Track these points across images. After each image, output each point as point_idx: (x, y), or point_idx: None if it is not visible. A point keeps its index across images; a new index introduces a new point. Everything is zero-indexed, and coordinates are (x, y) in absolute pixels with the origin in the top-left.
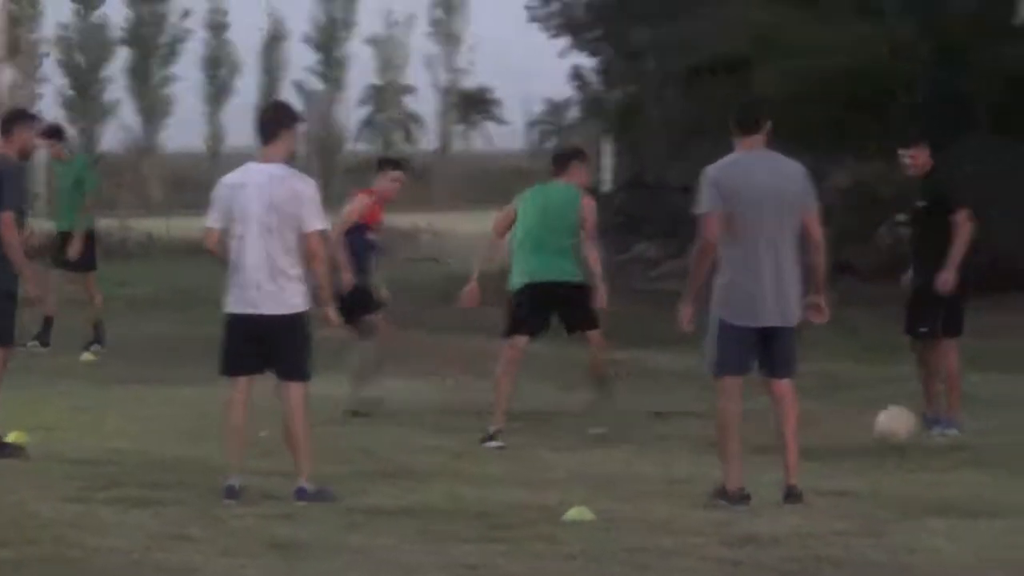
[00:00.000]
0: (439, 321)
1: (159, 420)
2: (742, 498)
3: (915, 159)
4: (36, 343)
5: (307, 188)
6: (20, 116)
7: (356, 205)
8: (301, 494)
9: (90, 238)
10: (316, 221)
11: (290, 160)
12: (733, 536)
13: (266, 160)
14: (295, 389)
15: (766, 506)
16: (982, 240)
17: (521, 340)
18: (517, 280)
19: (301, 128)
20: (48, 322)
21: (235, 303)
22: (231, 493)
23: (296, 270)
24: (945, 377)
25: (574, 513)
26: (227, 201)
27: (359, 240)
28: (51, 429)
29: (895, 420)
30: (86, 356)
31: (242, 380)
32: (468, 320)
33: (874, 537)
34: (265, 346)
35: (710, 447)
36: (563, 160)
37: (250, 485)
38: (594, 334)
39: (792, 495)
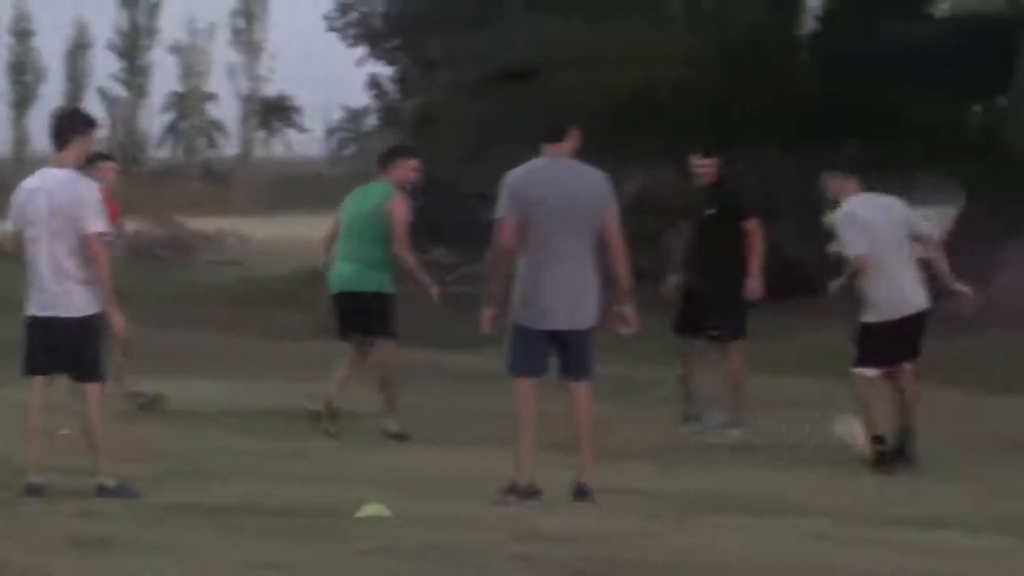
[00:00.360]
0: (241, 322)
1: None
2: (532, 493)
3: (705, 168)
4: None
5: (88, 191)
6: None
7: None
8: (102, 491)
9: None
10: (95, 223)
11: (83, 165)
12: (524, 532)
13: (59, 165)
14: (91, 389)
15: (559, 504)
16: (771, 248)
17: (346, 346)
18: (331, 287)
19: (97, 134)
20: None
21: (32, 306)
22: (32, 491)
23: (82, 273)
24: (729, 379)
25: (370, 510)
26: (23, 205)
27: None
28: None
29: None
30: None
31: (39, 380)
32: (270, 323)
33: (658, 535)
34: (60, 348)
35: (507, 445)
36: (384, 158)
37: (52, 483)
38: (387, 345)
39: (582, 493)
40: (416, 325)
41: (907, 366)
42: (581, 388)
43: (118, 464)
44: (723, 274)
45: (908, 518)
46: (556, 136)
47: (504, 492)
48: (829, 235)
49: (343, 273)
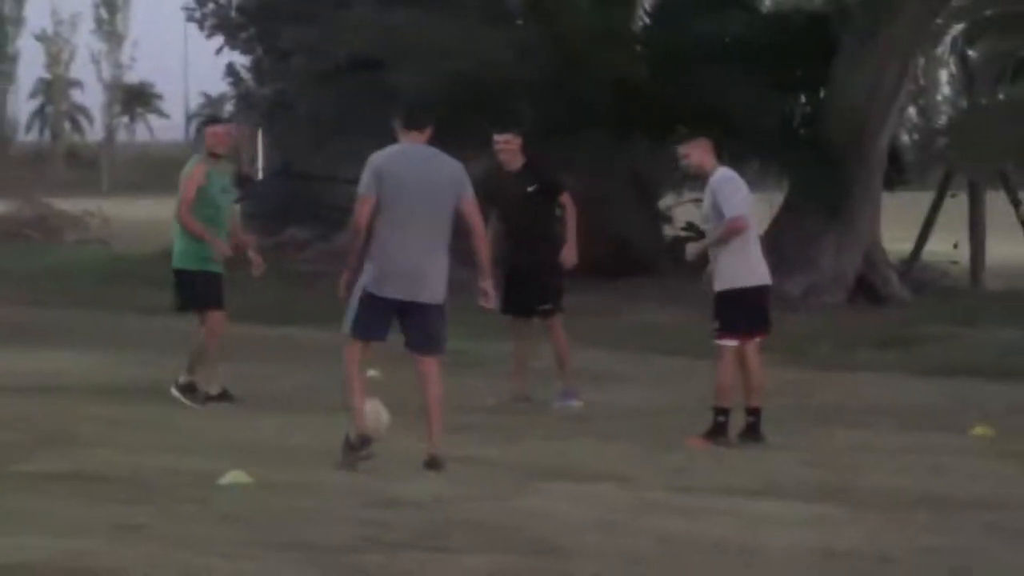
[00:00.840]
0: (107, 300)
1: None
2: (364, 441)
3: (506, 144)
4: None
5: None
6: None
7: None
8: None
9: None
10: None
11: None
12: (375, 499)
13: None
14: None
15: (409, 472)
16: (605, 230)
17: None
18: None
19: None
20: None
21: None
22: None
23: None
24: (558, 352)
25: (231, 477)
26: None
27: None
28: None
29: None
30: None
31: None
32: (135, 300)
33: (501, 500)
34: None
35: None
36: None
37: None
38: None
39: (434, 463)
40: (268, 301)
41: (756, 340)
42: (428, 363)
43: None
44: (543, 249)
45: (738, 487)
46: (416, 125)
47: (343, 450)
48: (663, 219)
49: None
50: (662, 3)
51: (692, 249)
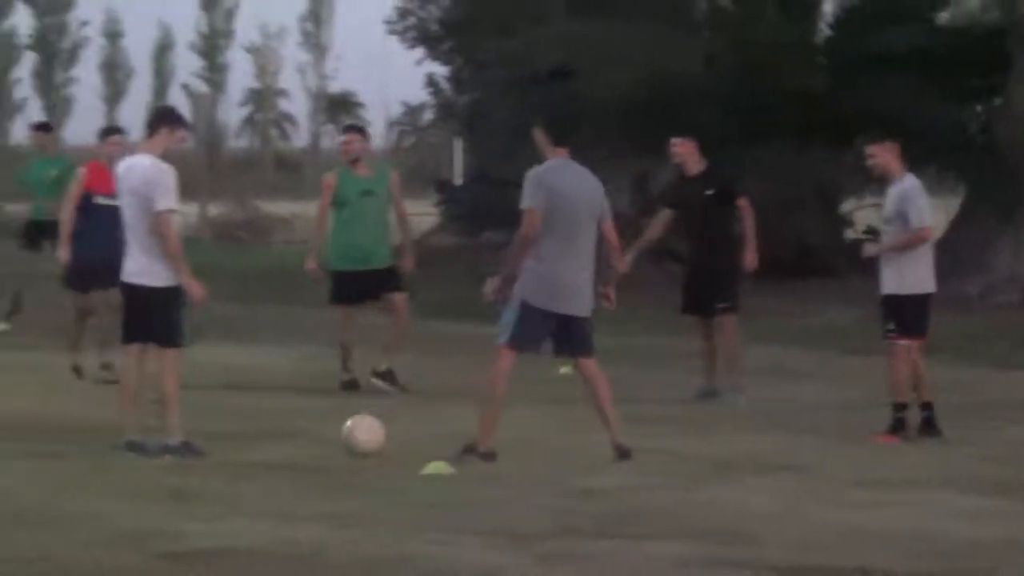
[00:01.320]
0: (311, 297)
1: (66, 385)
2: (489, 456)
3: (681, 148)
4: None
5: (159, 173)
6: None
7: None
8: (167, 449)
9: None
10: (162, 202)
11: (166, 155)
12: (568, 489)
13: (144, 152)
14: (169, 355)
15: (598, 464)
16: (789, 233)
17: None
18: None
19: (181, 132)
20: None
21: (129, 275)
22: (131, 447)
23: (158, 247)
24: (730, 350)
25: (433, 468)
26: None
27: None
28: None
29: (361, 430)
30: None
31: (135, 347)
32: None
33: (689, 490)
34: (144, 313)
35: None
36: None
37: (149, 441)
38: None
39: (623, 451)
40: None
41: (920, 342)
42: (590, 363)
43: (206, 424)
44: (721, 251)
45: (918, 480)
46: (565, 141)
47: (464, 452)
48: (844, 222)
49: None
50: (842, 16)
51: (869, 250)
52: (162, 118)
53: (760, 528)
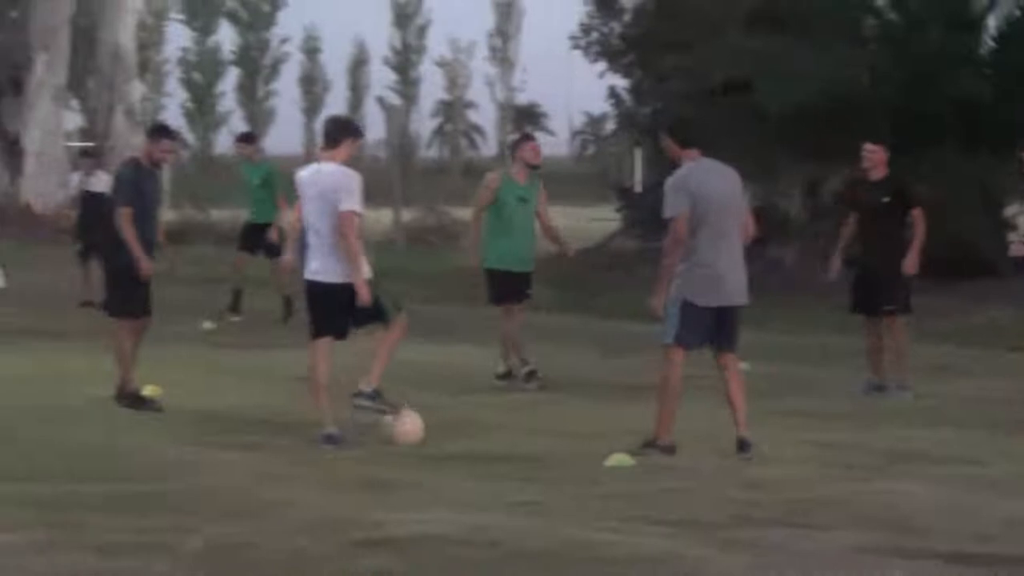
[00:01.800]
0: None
1: (269, 380)
2: (669, 450)
3: (873, 154)
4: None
5: (345, 178)
6: (154, 131)
7: None
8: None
9: (280, 230)
10: (347, 203)
11: (349, 163)
12: (749, 480)
13: (328, 160)
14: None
15: (775, 456)
16: (953, 235)
17: None
18: None
19: (360, 141)
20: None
21: (307, 272)
22: (328, 439)
23: (342, 245)
24: (897, 349)
25: (616, 459)
26: (300, 191)
27: None
28: (180, 385)
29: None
30: (207, 325)
31: (323, 342)
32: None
33: (861, 482)
34: (340, 306)
35: (725, 405)
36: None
37: (345, 433)
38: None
39: (744, 445)
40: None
41: None
42: (731, 357)
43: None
44: (892, 254)
45: None
46: (693, 142)
47: (644, 446)
48: (1007, 226)
49: None
50: (1006, 29)
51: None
52: (346, 129)
53: (932, 519)
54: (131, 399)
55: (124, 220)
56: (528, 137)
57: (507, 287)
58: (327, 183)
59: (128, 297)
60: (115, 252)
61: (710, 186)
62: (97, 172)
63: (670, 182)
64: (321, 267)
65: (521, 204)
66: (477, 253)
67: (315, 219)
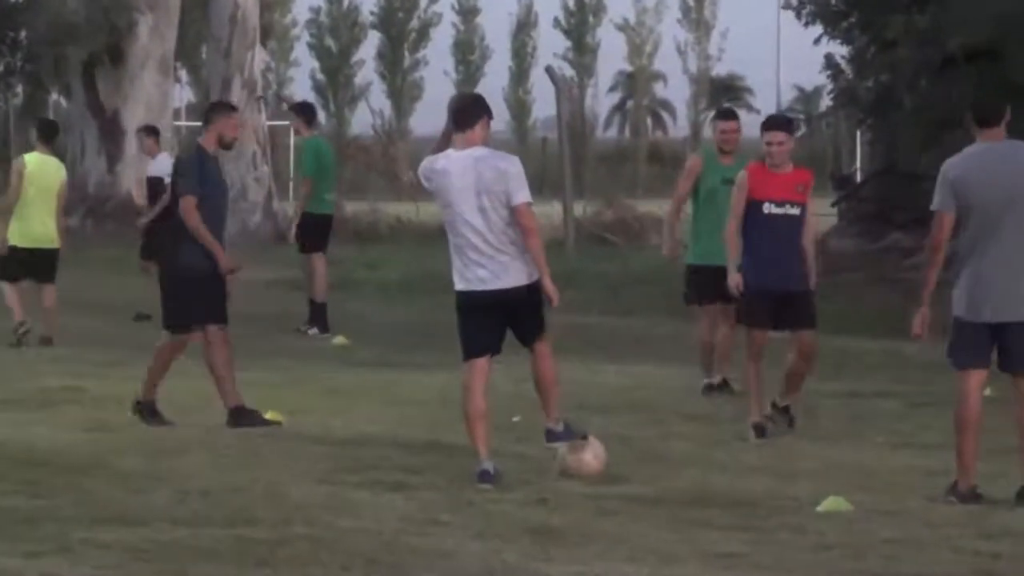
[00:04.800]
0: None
1: (408, 405)
2: (973, 497)
3: None
4: (315, 329)
5: (510, 166)
6: (217, 108)
7: None
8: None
9: (306, 221)
10: (521, 195)
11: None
12: (990, 529)
13: (467, 145)
14: (540, 347)
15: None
16: None
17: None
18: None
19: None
20: (316, 306)
21: (463, 282)
22: (485, 477)
23: (515, 244)
24: None
25: (829, 504)
26: (437, 186)
27: None
28: (303, 411)
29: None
30: (338, 339)
31: (480, 363)
32: None
33: None
34: (502, 318)
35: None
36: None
37: (505, 470)
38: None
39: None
40: (869, 310)
41: None
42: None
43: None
44: None
45: None
46: (989, 120)
47: (947, 492)
48: None
49: None
50: None
51: None
52: (481, 106)
53: None
54: (148, 410)
55: (188, 209)
56: (723, 115)
57: (706, 286)
58: (488, 174)
59: (190, 303)
60: (177, 249)
61: (976, 177)
62: (159, 155)
63: (941, 169)
64: (491, 273)
65: (725, 187)
66: (674, 242)
67: (473, 216)
